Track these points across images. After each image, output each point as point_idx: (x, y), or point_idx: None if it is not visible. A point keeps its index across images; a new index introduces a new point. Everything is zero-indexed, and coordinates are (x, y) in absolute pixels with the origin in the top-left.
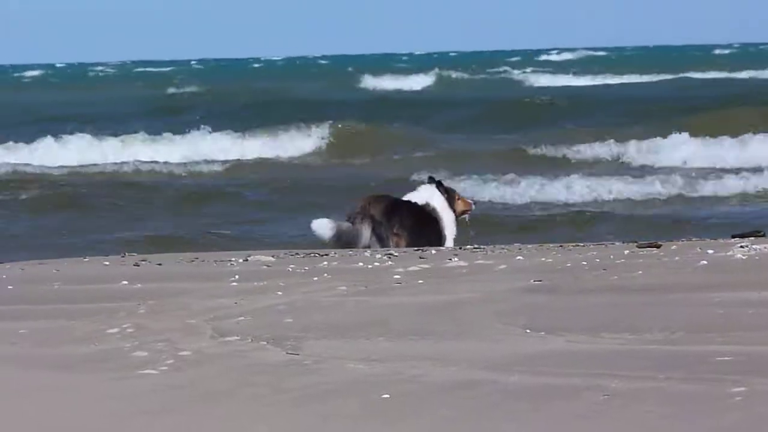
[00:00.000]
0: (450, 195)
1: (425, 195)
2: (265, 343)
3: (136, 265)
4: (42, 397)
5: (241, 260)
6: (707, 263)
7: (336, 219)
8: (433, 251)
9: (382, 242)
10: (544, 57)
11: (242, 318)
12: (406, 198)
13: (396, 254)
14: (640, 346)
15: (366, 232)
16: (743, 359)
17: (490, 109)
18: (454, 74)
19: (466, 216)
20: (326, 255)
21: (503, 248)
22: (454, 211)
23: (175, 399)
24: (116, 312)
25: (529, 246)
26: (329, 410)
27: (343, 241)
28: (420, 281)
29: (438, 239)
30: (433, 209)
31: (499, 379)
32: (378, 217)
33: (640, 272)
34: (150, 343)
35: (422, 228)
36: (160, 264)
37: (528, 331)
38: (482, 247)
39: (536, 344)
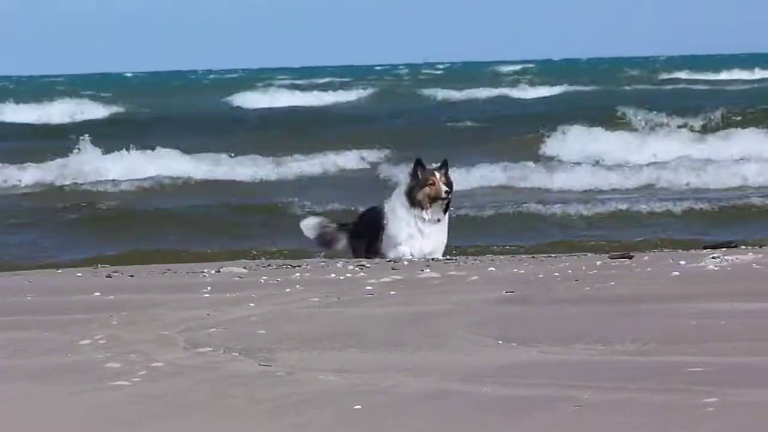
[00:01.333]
0: (418, 183)
1: (393, 194)
2: (238, 354)
3: (109, 276)
4: (14, 409)
5: (213, 271)
6: (679, 274)
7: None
8: (405, 262)
9: (354, 252)
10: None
11: (215, 329)
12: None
13: (368, 265)
14: (612, 357)
15: (343, 240)
16: (716, 370)
17: None
18: None
19: (441, 202)
20: (298, 267)
21: (476, 259)
22: (418, 204)
23: (148, 410)
24: (89, 323)
25: (502, 257)
26: (303, 421)
27: (326, 241)
28: (392, 292)
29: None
30: (382, 212)
31: (472, 390)
32: (351, 226)
33: (613, 283)
34: (123, 354)
35: (360, 236)
36: (132, 276)
37: (500, 342)
38: (455, 258)
39: (508, 355)
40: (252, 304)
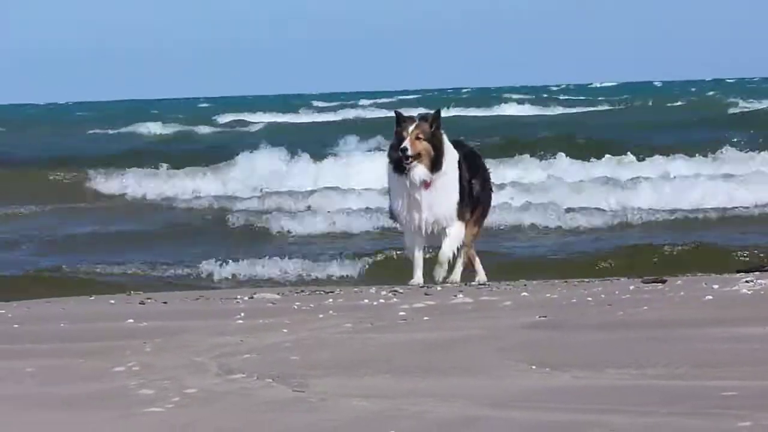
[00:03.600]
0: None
1: None
2: (271, 380)
3: (142, 303)
4: None
5: (246, 298)
6: (712, 298)
7: None
8: (438, 288)
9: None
10: None
11: (248, 355)
12: None
13: (401, 291)
14: (645, 381)
15: None
16: (749, 394)
17: None
18: None
19: (412, 160)
20: (331, 292)
21: (509, 284)
22: (395, 166)
23: None
24: (122, 350)
25: (534, 282)
26: None
27: None
28: (425, 318)
29: None
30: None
31: (504, 415)
32: None
33: (645, 308)
34: (156, 380)
35: None
36: (165, 302)
37: (533, 367)
38: (488, 283)
39: (541, 380)
40: (285, 330)
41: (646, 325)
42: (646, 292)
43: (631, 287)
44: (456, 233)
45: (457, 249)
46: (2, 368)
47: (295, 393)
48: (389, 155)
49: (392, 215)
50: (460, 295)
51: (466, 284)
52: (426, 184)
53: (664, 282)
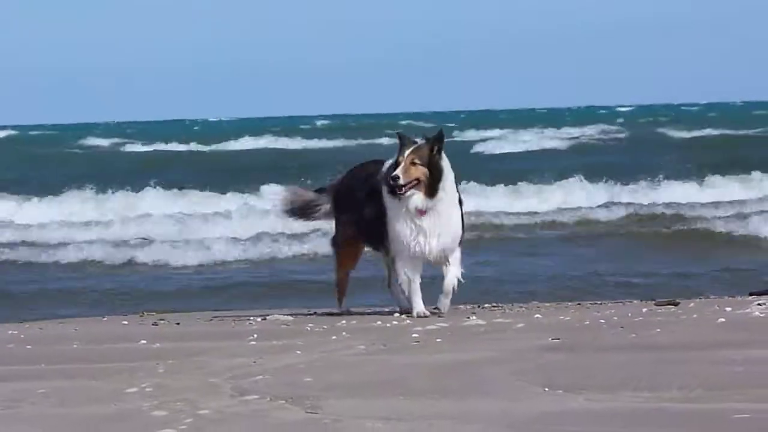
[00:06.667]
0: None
1: None
2: (284, 402)
3: (155, 324)
4: None
5: (259, 319)
6: (725, 321)
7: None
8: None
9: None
10: None
11: (261, 377)
12: None
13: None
14: (658, 404)
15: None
16: (762, 417)
17: None
18: None
19: (402, 188)
20: (344, 314)
21: (522, 306)
22: (391, 192)
23: None
24: (135, 371)
25: (547, 304)
26: None
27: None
28: (438, 340)
29: None
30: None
31: None
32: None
33: (659, 330)
34: (169, 402)
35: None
36: (178, 323)
37: (546, 389)
38: (500, 305)
39: (555, 403)
40: (298, 352)
41: (659, 348)
42: (659, 315)
43: (644, 309)
44: (459, 260)
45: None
46: (16, 389)
47: (309, 415)
48: (384, 180)
49: (393, 242)
50: (473, 317)
51: (479, 306)
52: (421, 213)
53: (676, 304)
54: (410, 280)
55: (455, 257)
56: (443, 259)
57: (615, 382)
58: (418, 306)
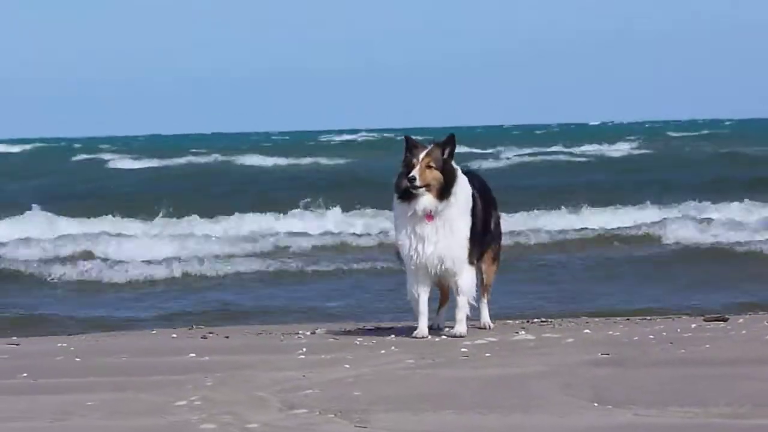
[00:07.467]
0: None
1: None
2: (333, 415)
3: (204, 337)
4: None
5: (308, 333)
6: None
7: None
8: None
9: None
10: None
11: (310, 391)
12: None
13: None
14: (707, 419)
15: None
16: None
17: None
18: None
19: (418, 190)
20: (392, 328)
21: (571, 321)
22: (401, 196)
23: None
24: (184, 384)
25: (596, 319)
26: None
27: None
28: (487, 354)
29: None
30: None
31: None
32: None
33: (707, 345)
34: (218, 415)
35: None
36: (227, 337)
37: (595, 404)
38: (550, 320)
39: (603, 418)
40: (347, 366)
41: (708, 363)
42: (708, 330)
43: (693, 325)
44: (469, 283)
45: (476, 293)
46: (66, 402)
47: (358, 428)
48: (396, 185)
49: (398, 254)
50: (522, 332)
51: (528, 321)
52: (430, 216)
53: (725, 320)
54: (417, 299)
55: (463, 279)
56: (448, 275)
57: (664, 397)
58: (422, 329)
